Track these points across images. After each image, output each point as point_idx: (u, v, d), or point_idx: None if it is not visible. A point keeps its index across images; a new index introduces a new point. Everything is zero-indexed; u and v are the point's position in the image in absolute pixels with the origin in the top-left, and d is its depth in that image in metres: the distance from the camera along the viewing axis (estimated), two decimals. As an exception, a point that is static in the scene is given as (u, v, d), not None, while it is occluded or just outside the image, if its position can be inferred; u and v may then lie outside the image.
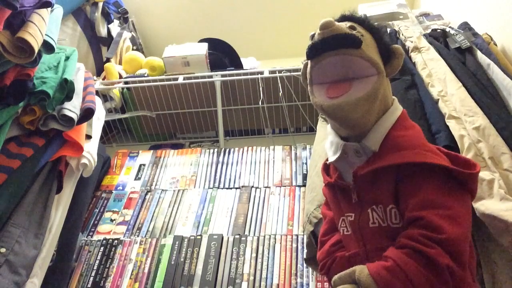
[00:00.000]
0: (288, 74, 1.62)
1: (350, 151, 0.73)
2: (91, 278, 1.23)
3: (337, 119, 0.71)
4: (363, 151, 0.72)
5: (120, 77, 1.80)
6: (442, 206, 0.63)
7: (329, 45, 0.68)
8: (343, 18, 0.75)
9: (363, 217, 0.72)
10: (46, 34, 1.06)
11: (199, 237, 1.30)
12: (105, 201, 1.48)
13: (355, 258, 0.73)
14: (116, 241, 1.33)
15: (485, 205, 0.80)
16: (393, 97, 0.76)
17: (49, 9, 1.11)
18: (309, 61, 0.74)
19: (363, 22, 0.73)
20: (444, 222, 0.61)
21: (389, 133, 0.71)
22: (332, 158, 0.77)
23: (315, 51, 0.70)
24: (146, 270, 1.23)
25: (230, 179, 1.51)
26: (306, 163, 1.51)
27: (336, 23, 0.70)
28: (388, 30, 1.49)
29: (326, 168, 0.84)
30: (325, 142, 0.81)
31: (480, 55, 1.17)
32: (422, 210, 0.63)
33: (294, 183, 1.45)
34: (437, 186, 0.65)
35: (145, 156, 1.66)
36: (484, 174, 0.85)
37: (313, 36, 0.73)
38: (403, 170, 0.67)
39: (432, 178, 0.66)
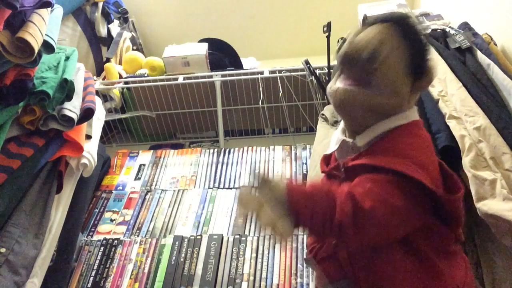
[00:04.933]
0: (288, 74, 1.61)
1: (348, 146, 0.76)
2: (91, 278, 1.23)
3: (335, 102, 0.74)
4: (356, 148, 0.74)
5: (120, 77, 1.80)
6: (382, 195, 0.64)
7: (346, 64, 0.72)
8: (388, 19, 0.73)
9: None
10: (46, 34, 1.06)
11: (199, 237, 1.29)
12: (105, 201, 1.48)
13: (340, 244, 0.75)
14: (116, 241, 1.33)
15: (487, 205, 0.80)
16: (413, 107, 0.76)
17: (49, 9, 1.11)
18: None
19: (408, 28, 0.71)
20: (370, 202, 0.62)
21: (389, 135, 0.71)
22: (329, 150, 0.82)
23: (338, 61, 0.74)
24: (146, 270, 1.23)
25: (230, 179, 1.51)
26: (306, 163, 1.51)
27: (354, 47, 0.71)
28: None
29: (327, 158, 0.86)
30: (334, 131, 0.84)
31: (480, 55, 1.17)
32: (353, 188, 0.65)
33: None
34: (392, 187, 0.65)
35: (145, 156, 1.66)
36: (486, 174, 0.85)
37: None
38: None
39: (393, 182, 0.65)
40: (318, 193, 0.64)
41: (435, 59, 1.22)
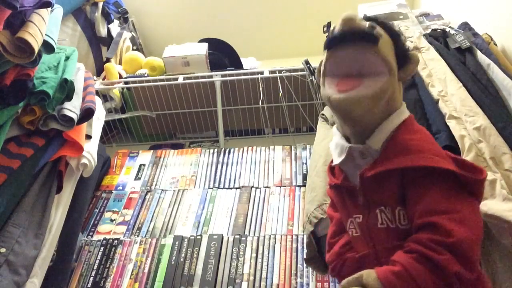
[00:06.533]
0: (288, 74, 1.61)
1: (355, 153, 0.74)
2: (91, 278, 1.23)
3: (341, 112, 0.72)
4: (368, 153, 0.72)
5: (120, 77, 1.80)
6: (450, 210, 0.62)
7: (347, 38, 0.70)
8: (365, 19, 0.75)
9: (371, 218, 0.72)
10: (46, 34, 1.06)
11: (199, 237, 1.29)
12: (105, 201, 1.48)
13: (365, 259, 0.73)
14: (116, 241, 1.33)
15: (487, 205, 0.80)
16: (403, 102, 0.76)
17: (49, 9, 1.11)
18: (325, 52, 0.75)
19: (385, 24, 0.74)
20: (453, 225, 0.60)
21: (396, 136, 0.71)
22: (337, 161, 0.78)
23: (334, 42, 0.72)
24: (146, 270, 1.23)
25: (230, 179, 1.51)
26: (306, 163, 1.51)
27: (358, 17, 0.71)
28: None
29: (331, 169, 0.85)
30: (330, 143, 0.82)
31: (480, 55, 1.17)
32: (430, 216, 0.63)
33: (294, 183, 1.45)
34: (444, 191, 0.65)
35: (145, 156, 1.66)
36: (486, 175, 0.85)
37: (328, 26, 0.76)
38: (409, 174, 0.67)
39: (438, 183, 0.65)
40: (410, 265, 0.61)
41: (433, 62, 1.22)
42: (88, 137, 1.31)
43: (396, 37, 0.74)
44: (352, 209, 0.77)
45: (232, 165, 1.56)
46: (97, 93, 1.60)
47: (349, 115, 0.71)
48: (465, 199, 0.65)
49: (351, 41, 0.70)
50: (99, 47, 1.94)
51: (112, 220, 1.41)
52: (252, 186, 1.46)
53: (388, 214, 0.70)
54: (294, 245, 1.24)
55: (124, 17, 2.06)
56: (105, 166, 1.58)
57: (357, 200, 0.75)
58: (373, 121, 0.72)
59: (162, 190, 1.50)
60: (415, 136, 0.71)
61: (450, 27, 1.42)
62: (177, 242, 1.28)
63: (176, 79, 1.67)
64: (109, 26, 1.97)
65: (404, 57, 0.74)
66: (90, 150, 1.28)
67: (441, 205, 0.63)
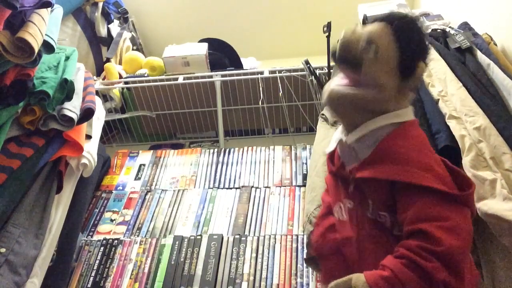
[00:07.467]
0: (288, 74, 1.61)
1: (344, 145, 0.78)
2: (91, 278, 1.23)
3: (325, 102, 0.77)
4: (348, 146, 0.76)
5: (120, 77, 1.80)
6: (440, 217, 0.64)
7: (338, 60, 0.75)
8: (386, 19, 0.74)
9: (363, 205, 0.75)
10: (46, 34, 1.06)
11: (199, 237, 1.29)
12: (105, 201, 1.48)
13: (346, 241, 0.76)
14: (116, 241, 1.33)
15: (488, 205, 0.80)
16: (409, 106, 0.76)
17: (49, 9, 1.11)
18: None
19: (399, 29, 0.72)
20: (443, 234, 0.61)
21: (387, 139, 0.71)
22: (328, 149, 0.84)
23: (334, 60, 0.77)
24: (146, 270, 1.23)
25: (230, 179, 1.51)
26: (306, 163, 1.51)
27: (355, 38, 0.72)
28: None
29: (331, 156, 0.87)
30: (335, 132, 0.86)
31: (480, 55, 1.17)
32: (419, 222, 0.64)
33: (294, 183, 1.45)
34: (433, 198, 0.66)
35: (145, 156, 1.66)
36: (486, 174, 0.85)
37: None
38: (398, 182, 0.69)
39: (427, 192, 0.66)
40: (399, 271, 0.62)
41: (433, 62, 1.22)
42: (88, 137, 1.31)
43: (406, 44, 0.71)
44: (344, 194, 0.79)
45: (232, 165, 1.56)
46: (97, 93, 1.60)
47: (331, 105, 0.76)
48: (454, 207, 0.66)
49: (340, 63, 0.74)
50: (99, 47, 1.94)
51: (112, 220, 1.41)
52: (252, 186, 1.46)
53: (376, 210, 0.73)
54: (294, 245, 1.24)
55: (124, 17, 2.06)
56: (105, 166, 1.58)
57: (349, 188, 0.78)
58: (355, 118, 0.74)
59: (162, 190, 1.50)
60: (406, 142, 0.71)
61: (450, 27, 1.42)
62: (177, 242, 1.28)
63: (176, 79, 1.67)
64: (109, 26, 1.97)
65: (411, 65, 0.72)
66: (90, 150, 1.28)
67: (431, 212, 0.64)
